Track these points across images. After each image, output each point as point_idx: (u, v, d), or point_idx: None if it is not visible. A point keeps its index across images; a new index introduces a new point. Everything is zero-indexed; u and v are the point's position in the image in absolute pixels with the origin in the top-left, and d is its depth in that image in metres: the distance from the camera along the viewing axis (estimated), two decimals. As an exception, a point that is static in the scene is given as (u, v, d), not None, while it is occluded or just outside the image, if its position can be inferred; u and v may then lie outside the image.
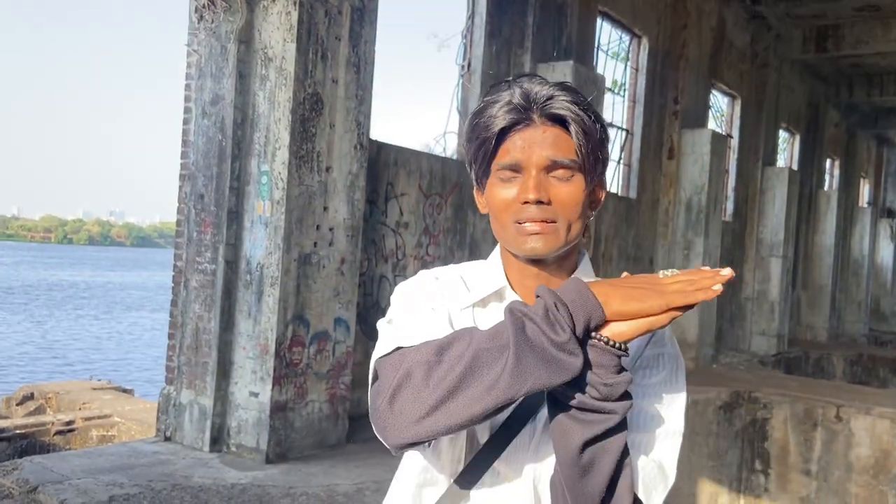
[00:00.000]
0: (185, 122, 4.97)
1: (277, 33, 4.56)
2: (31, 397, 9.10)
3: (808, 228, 14.94)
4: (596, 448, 0.91)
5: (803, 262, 14.93)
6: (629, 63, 9.33)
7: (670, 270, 0.94)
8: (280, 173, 4.56)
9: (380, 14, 5.17)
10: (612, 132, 9.01)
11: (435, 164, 6.48)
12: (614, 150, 9.16)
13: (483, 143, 1.03)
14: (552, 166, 1.02)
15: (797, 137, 14.69)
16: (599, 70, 8.44)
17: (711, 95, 10.88)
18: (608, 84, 8.34)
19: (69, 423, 7.93)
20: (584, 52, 7.93)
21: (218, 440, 4.62)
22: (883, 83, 15.10)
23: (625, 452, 0.94)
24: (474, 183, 1.11)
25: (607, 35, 8.85)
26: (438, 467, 1.07)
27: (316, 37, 4.62)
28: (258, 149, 4.64)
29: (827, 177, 16.71)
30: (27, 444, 7.36)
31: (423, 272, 1.16)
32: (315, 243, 4.76)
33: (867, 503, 7.75)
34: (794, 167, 14.19)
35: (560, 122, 1.02)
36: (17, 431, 7.38)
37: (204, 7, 4.70)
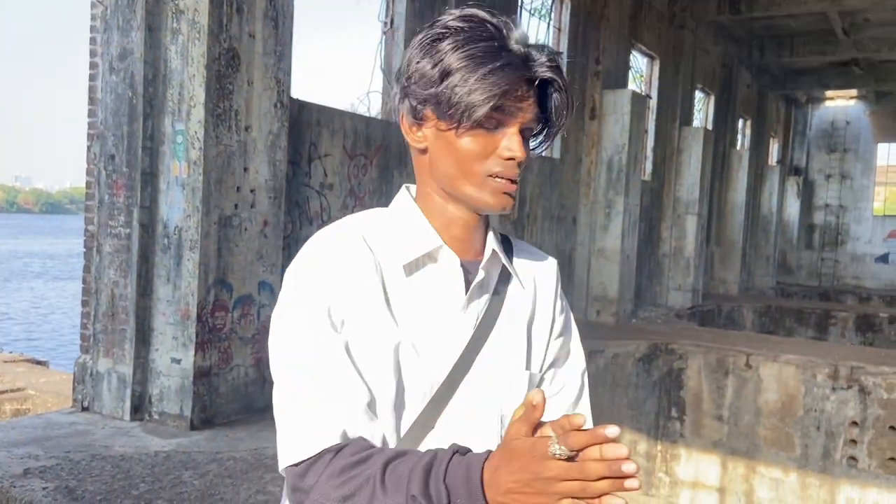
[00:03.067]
0: (92, 78, 4.70)
1: (189, -16, 4.34)
2: (-65, 372, 8.62)
3: (721, 186, 15.54)
4: None
5: (716, 219, 15.55)
6: (552, 23, 9.36)
7: (559, 449, 0.77)
8: (196, 132, 4.38)
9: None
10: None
11: (359, 124, 6.37)
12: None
13: (485, 92, 0.94)
14: (526, 130, 1.01)
15: (712, 98, 15.16)
16: (522, 28, 8.43)
17: (631, 56, 11.06)
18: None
19: (-21, 397, 7.56)
20: (507, 10, 7.89)
21: (139, 408, 4.49)
22: (793, 45, 15.71)
23: None
24: (415, 107, 1.01)
25: (530, -6, 8.84)
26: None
27: (231, -12, 4.42)
28: (172, 107, 4.44)
29: (739, 136, 17.36)
30: (-67, 421, 6.99)
31: (316, 248, 1.01)
32: (236, 205, 4.63)
33: (775, 445, 8.28)
34: (709, 127, 14.67)
35: (542, 89, 1.00)
36: (-78, 409, 7.00)
37: (107, -46, 4.41)
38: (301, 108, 5.63)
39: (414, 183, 1.12)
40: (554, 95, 1.00)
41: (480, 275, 1.04)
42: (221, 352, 4.56)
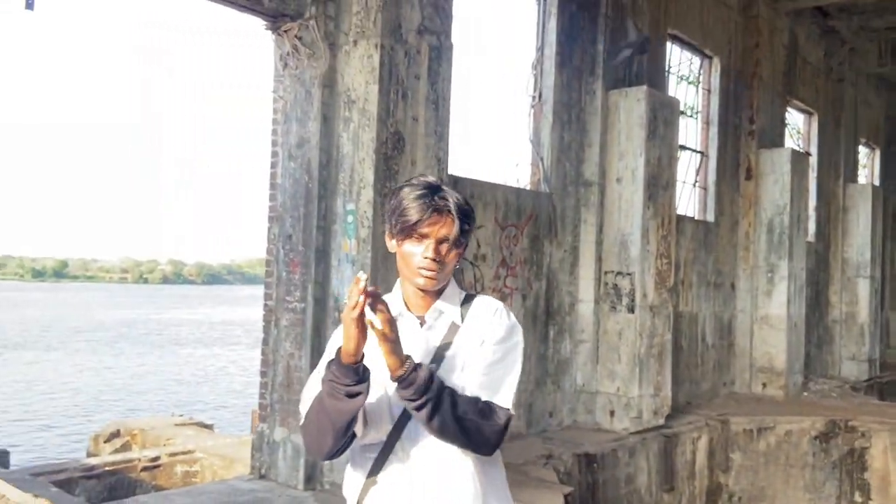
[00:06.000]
0: (273, 165, 5.12)
1: (360, 76, 4.67)
2: (117, 434, 9.36)
3: (894, 246, 14.28)
4: (436, 416, 1.65)
5: (891, 282, 14.24)
6: (700, 84, 9.18)
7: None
8: (365, 211, 4.63)
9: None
10: (685, 155, 8.84)
11: (510, 195, 6.48)
12: (688, 172, 8.99)
13: (406, 222, 1.73)
14: (442, 240, 1.75)
15: (877, 152, 14.13)
16: (670, 93, 8.33)
17: (787, 113, 10.59)
18: (680, 107, 8.21)
19: (155, 459, 8.11)
20: (655, 76, 7.85)
21: (312, 478, 4.66)
22: (967, 92, 14.43)
23: (454, 403, 1.67)
24: (388, 231, 1.81)
25: (676, 58, 8.75)
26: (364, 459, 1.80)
27: (397, 77, 4.72)
28: (343, 188, 4.74)
29: (912, 191, 15.97)
30: (115, 480, 7.54)
31: None
32: (400, 279, 4.80)
33: None
34: (877, 183, 13.64)
35: (449, 214, 1.74)
36: (107, 469, 7.58)
37: (288, 54, 4.85)
38: (456, 182, 5.80)
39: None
40: (455, 221, 1.75)
41: (427, 322, 1.83)
42: (387, 423, 4.65)
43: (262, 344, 5.13)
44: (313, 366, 4.68)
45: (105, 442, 9.25)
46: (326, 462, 4.65)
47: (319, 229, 4.77)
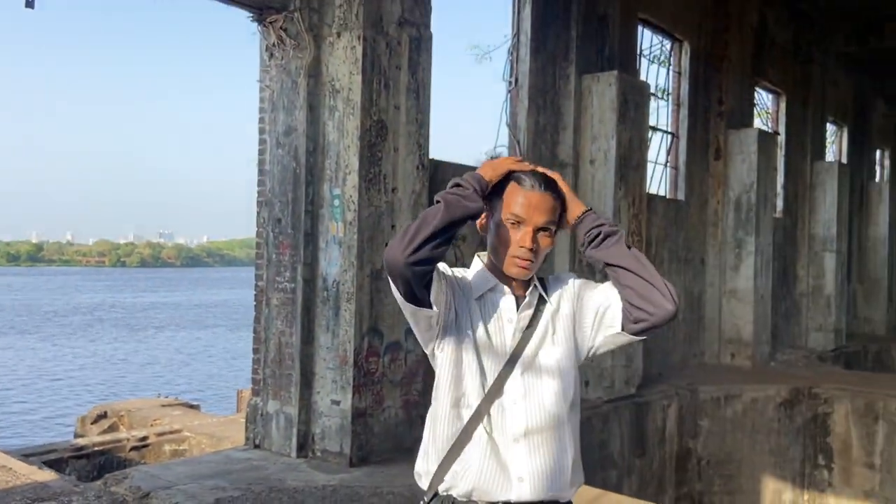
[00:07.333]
0: (261, 152, 5.34)
1: (344, 66, 4.90)
2: (104, 416, 9.54)
3: (860, 221, 14.77)
4: (632, 247, 1.72)
5: (857, 256, 14.75)
6: (671, 67, 9.47)
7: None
8: (351, 196, 4.88)
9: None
10: (657, 136, 9.16)
11: (489, 178, 6.73)
12: (660, 153, 9.31)
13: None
14: (539, 227, 1.70)
15: (845, 130, 14.56)
16: (642, 76, 8.62)
17: (756, 93, 10.93)
18: (651, 90, 8.50)
19: (143, 438, 8.32)
20: (627, 60, 8.12)
21: (304, 446, 4.95)
22: (931, 71, 14.84)
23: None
24: (488, 212, 1.76)
25: (648, 41, 9.03)
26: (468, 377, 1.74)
27: (379, 67, 4.95)
28: (330, 174, 4.98)
29: (878, 168, 16.47)
30: (105, 460, 7.75)
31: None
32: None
33: (935, 495, 7.72)
34: (844, 160, 14.07)
35: (553, 190, 1.73)
36: (96, 448, 7.79)
37: (274, 45, 5.06)
38: (437, 167, 6.06)
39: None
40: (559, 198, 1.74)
41: (527, 298, 1.77)
42: (375, 394, 4.96)
43: (254, 322, 5.38)
44: (304, 342, 4.98)
45: (92, 423, 9.44)
46: (318, 431, 4.94)
47: (307, 213, 5.01)
